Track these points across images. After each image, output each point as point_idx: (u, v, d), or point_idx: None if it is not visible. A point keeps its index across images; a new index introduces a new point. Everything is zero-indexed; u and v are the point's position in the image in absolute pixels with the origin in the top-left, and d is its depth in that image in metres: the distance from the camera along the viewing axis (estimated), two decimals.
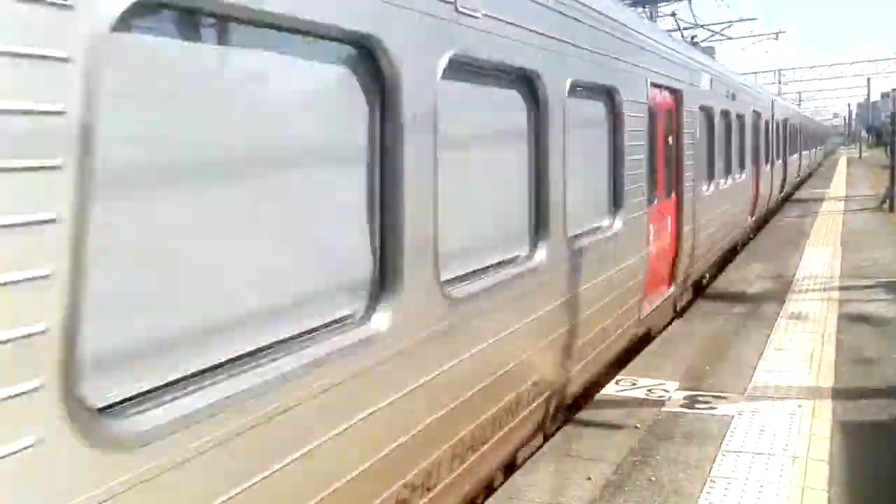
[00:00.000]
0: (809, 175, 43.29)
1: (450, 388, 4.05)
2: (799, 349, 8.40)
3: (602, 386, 7.40)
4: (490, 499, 5.18)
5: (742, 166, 15.61)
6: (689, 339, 9.09)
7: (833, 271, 13.01)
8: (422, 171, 3.69)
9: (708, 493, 5.10)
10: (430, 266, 3.78)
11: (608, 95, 7.04)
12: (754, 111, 17.81)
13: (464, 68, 4.23)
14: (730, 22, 32.95)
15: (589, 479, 5.38)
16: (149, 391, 2.46)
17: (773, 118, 22.16)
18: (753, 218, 18.23)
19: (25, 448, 1.96)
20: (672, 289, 9.68)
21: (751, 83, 20.14)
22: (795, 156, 31.96)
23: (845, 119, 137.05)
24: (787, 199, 28.07)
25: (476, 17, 4.18)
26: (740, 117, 15.37)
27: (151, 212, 2.50)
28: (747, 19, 35.56)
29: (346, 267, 3.45)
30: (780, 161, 24.77)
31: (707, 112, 11.89)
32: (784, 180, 26.00)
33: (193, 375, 2.62)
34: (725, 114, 13.54)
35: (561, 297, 5.65)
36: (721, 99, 12.99)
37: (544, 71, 5.22)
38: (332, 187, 3.37)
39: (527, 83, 5.17)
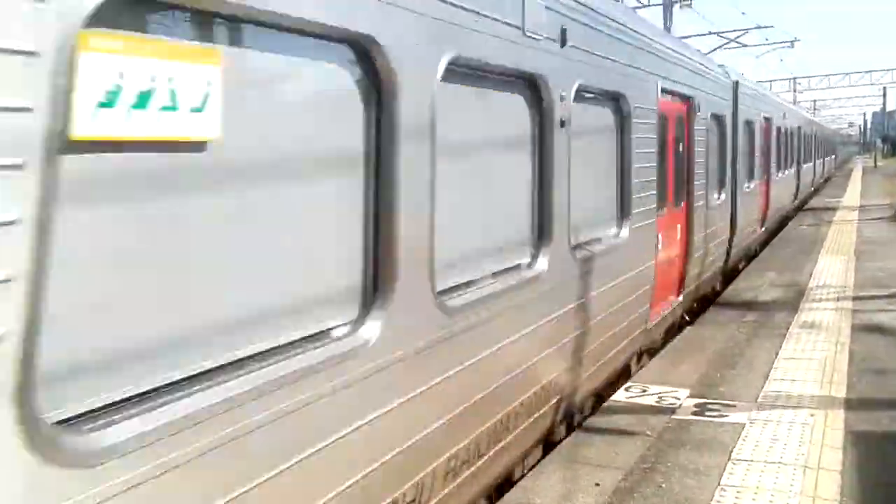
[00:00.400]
0: (815, 192, 34.62)
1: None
2: (811, 358, 8.34)
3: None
4: (498, 503, 5.16)
5: (618, 211, 7.37)
6: (701, 346, 9.04)
7: (847, 281, 12.91)
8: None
9: (718, 501, 5.06)
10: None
11: None
12: (674, 95, 9.25)
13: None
14: (745, 29, 32.87)
15: (597, 485, 5.35)
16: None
17: (735, 114, 13.14)
18: (683, 294, 9.90)
19: None
20: None
21: (688, 48, 11.06)
22: (785, 173, 21.64)
23: (860, 128, 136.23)
24: (775, 232, 20.53)
25: None
26: (616, 109, 7.27)
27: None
28: (763, 27, 35.37)
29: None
30: (758, 183, 16.00)
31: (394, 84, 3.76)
32: (765, 213, 17.55)
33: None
34: (498, 87, 5.09)
35: None
36: (491, 40, 4.66)
37: None
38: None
39: None
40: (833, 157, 56.34)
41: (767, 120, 17.49)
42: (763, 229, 17.42)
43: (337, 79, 3.56)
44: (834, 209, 27.22)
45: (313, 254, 3.43)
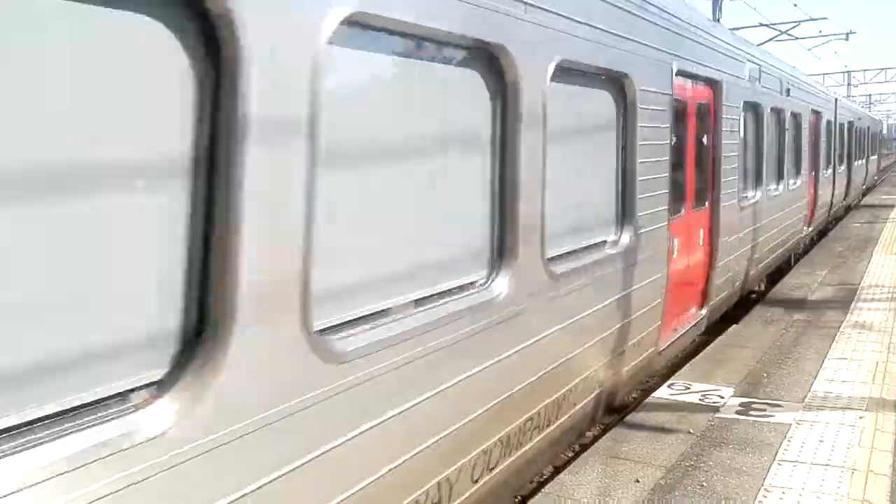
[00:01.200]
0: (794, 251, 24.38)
1: None
2: (862, 359, 8.13)
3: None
4: (537, 496, 5.15)
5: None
6: (747, 344, 8.87)
7: None
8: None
9: (761, 501, 4.98)
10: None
11: None
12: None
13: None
14: (797, 21, 32.06)
15: (637, 481, 5.30)
16: None
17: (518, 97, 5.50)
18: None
19: None
20: None
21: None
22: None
23: None
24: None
25: None
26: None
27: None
28: (817, 18, 34.43)
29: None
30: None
31: None
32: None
33: None
34: None
35: None
36: None
37: None
38: None
39: None
40: (875, 155, 40.03)
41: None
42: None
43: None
44: (890, 206, 26.47)
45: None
